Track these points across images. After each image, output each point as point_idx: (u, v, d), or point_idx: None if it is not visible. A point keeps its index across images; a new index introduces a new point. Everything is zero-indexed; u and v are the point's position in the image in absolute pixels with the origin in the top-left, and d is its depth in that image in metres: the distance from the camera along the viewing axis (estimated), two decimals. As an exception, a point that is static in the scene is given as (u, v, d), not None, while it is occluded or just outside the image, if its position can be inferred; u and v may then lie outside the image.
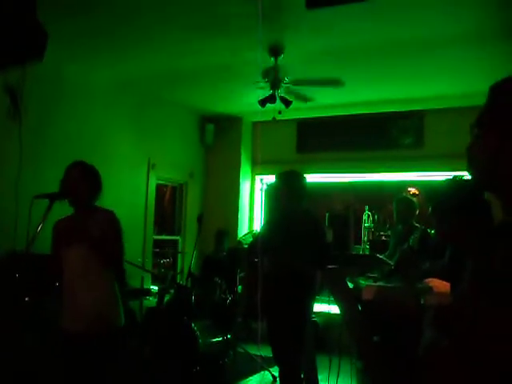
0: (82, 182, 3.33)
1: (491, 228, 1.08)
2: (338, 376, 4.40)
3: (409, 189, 7.45)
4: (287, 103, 5.61)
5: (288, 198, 4.28)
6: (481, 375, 0.88)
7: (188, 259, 6.76)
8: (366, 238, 7.17)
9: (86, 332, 3.18)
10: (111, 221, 3.35)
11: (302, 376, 4.27)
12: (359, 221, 7.25)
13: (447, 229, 2.44)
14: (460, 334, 0.93)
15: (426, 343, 1.05)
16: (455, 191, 2.45)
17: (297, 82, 5.52)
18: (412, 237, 5.20)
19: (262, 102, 5.57)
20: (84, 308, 3.21)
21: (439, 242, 3.30)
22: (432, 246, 5.01)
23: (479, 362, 0.88)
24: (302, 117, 7.74)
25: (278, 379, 4.51)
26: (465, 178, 2.44)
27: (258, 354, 5.99)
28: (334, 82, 5.61)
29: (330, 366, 4.50)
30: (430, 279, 3.12)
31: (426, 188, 6.28)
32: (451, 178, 2.54)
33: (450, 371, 0.94)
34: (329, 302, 5.56)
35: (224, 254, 6.92)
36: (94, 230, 3.24)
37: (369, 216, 7.22)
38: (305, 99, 5.92)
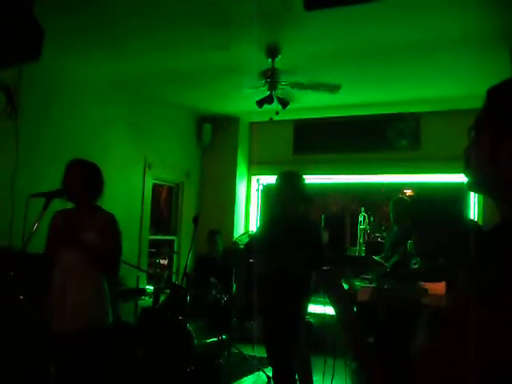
0: (79, 180, 3.31)
1: (483, 232, 1.09)
2: (332, 377, 4.40)
3: (405, 190, 7.46)
4: (284, 104, 5.62)
5: (288, 198, 4.27)
6: (473, 376, 0.88)
7: (184, 259, 6.76)
8: (361, 240, 7.18)
9: (72, 332, 3.17)
10: (109, 224, 3.33)
11: (297, 377, 4.27)
12: (355, 222, 7.26)
13: (432, 243, 2.44)
14: (454, 336, 0.94)
15: (419, 344, 1.05)
16: (431, 205, 2.46)
17: (294, 85, 5.53)
18: (410, 241, 5.19)
19: (260, 103, 5.57)
20: (71, 309, 3.20)
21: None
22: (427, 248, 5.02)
23: (471, 364, 0.88)
24: (298, 118, 7.75)
25: (272, 380, 4.50)
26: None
27: (253, 354, 5.99)
28: (332, 87, 5.61)
29: (324, 367, 4.50)
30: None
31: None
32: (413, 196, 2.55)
33: (443, 372, 0.95)
34: (324, 303, 5.58)
35: (217, 254, 6.92)
36: (88, 233, 3.23)
37: (365, 218, 7.23)
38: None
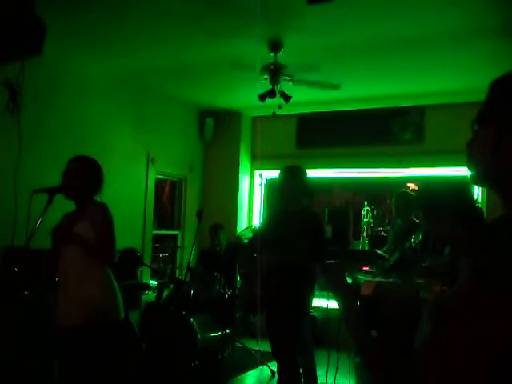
0: (80, 176, 3.33)
1: (487, 225, 1.08)
2: (336, 371, 4.41)
3: (408, 184, 7.45)
4: (287, 98, 5.60)
5: (292, 192, 4.27)
6: (475, 367, 0.89)
7: (187, 254, 6.76)
8: (365, 234, 7.18)
9: (73, 327, 3.19)
10: (99, 212, 3.34)
11: (301, 371, 4.28)
12: (358, 216, 7.26)
13: (444, 230, 2.44)
14: (457, 327, 0.94)
15: (422, 337, 1.05)
16: (447, 193, 2.46)
17: (296, 81, 5.53)
18: (414, 236, 5.18)
19: (262, 97, 5.56)
20: (72, 304, 3.22)
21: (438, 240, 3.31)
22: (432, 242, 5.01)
23: (474, 355, 0.88)
24: (301, 112, 7.73)
25: (276, 374, 4.51)
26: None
27: (257, 348, 6.00)
28: (332, 86, 5.63)
29: (328, 361, 4.51)
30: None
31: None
32: (424, 186, 2.55)
33: (446, 363, 0.95)
34: (327, 297, 5.58)
35: (221, 249, 6.92)
36: (79, 224, 3.25)
37: (368, 211, 7.22)
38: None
